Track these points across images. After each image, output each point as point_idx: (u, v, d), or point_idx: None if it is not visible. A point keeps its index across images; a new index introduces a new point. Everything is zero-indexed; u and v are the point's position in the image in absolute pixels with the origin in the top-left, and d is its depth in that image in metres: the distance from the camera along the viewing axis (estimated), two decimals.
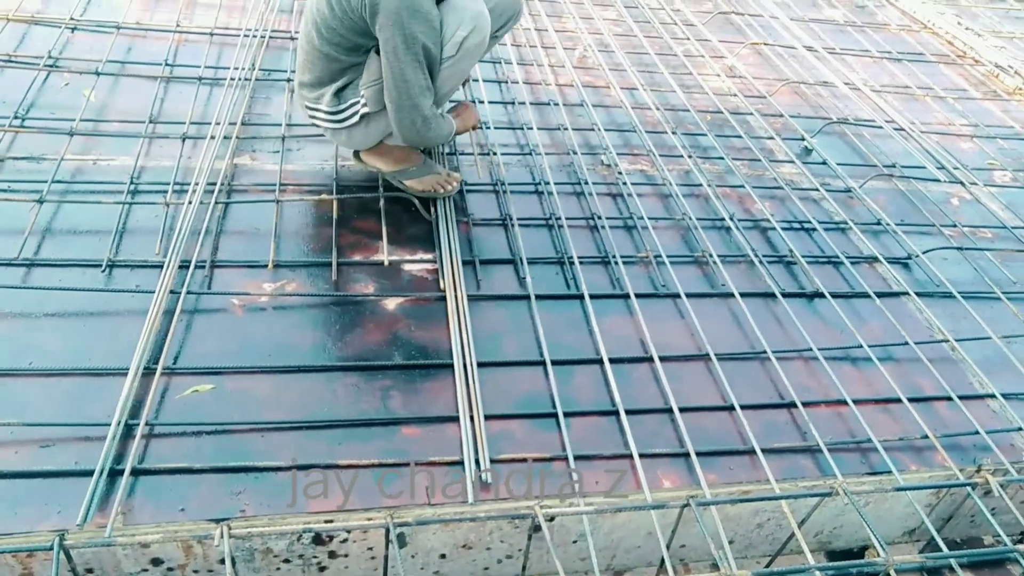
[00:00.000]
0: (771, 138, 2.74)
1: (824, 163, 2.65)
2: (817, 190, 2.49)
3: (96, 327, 1.69)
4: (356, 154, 2.14)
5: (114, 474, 1.41)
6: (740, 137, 2.69)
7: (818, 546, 1.78)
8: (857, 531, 1.76)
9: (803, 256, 2.19)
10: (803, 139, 2.74)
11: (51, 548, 1.22)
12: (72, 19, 2.70)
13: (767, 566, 1.63)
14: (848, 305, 2.07)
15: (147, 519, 1.37)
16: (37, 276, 1.78)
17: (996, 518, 1.59)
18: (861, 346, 1.92)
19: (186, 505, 1.39)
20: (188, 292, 1.77)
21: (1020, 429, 1.79)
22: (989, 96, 3.29)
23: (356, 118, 1.94)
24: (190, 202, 1.95)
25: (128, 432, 1.47)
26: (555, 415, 1.65)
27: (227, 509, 1.40)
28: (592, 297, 1.94)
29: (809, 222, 2.35)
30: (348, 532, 1.45)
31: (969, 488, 1.64)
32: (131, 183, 2.05)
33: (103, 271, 1.81)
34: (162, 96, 2.42)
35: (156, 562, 1.43)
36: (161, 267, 1.81)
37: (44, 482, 1.39)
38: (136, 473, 1.42)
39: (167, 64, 2.55)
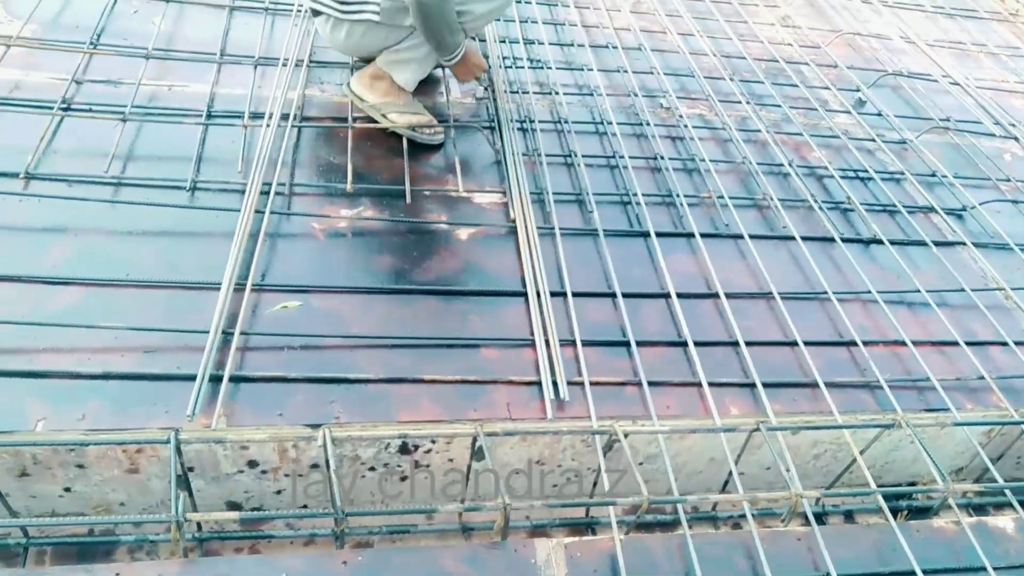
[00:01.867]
0: (826, 88, 2.75)
1: (879, 114, 2.66)
2: (873, 140, 2.51)
3: (184, 244, 1.75)
4: (348, 85, 2.14)
5: (214, 380, 1.48)
6: (796, 86, 2.71)
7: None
8: (907, 467, 1.83)
9: (860, 203, 2.22)
10: (858, 90, 2.75)
11: (167, 442, 1.30)
12: None
13: (819, 499, 1.70)
14: (904, 252, 2.11)
15: (247, 422, 1.44)
16: (125, 194, 1.84)
17: None
18: (918, 291, 1.97)
19: (283, 411, 1.47)
20: (271, 213, 1.83)
21: None
22: None
23: (362, 17, 1.91)
24: (267, 126, 2.00)
25: (225, 341, 1.54)
26: (626, 343, 1.71)
27: (322, 416, 1.47)
28: (657, 235, 1.99)
29: (865, 171, 2.37)
30: (434, 442, 1.53)
31: (1022, 427, 1.70)
32: (207, 108, 2.10)
33: (188, 191, 1.87)
34: (227, 26, 2.45)
35: (252, 464, 1.51)
36: (242, 190, 1.87)
37: (150, 384, 1.47)
38: (235, 380, 1.49)
39: None
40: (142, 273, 1.66)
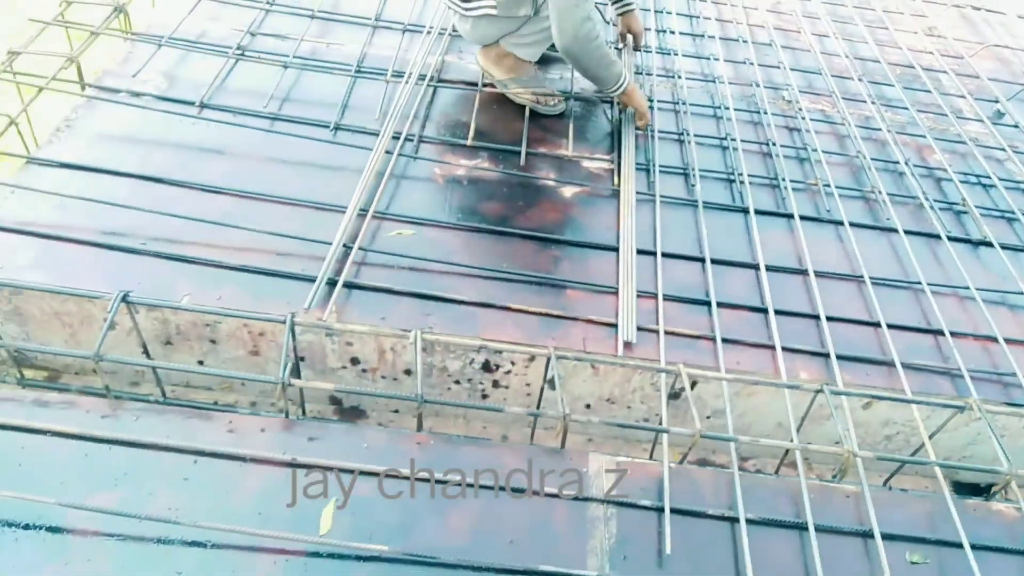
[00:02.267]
0: (962, 97, 2.70)
1: (1016, 126, 2.59)
2: (1004, 150, 2.46)
3: (324, 174, 2.00)
4: (477, 57, 2.30)
5: (330, 283, 1.70)
6: (929, 92, 2.68)
7: (945, 474, 1.84)
8: (988, 464, 1.81)
9: (976, 207, 2.19)
10: (997, 101, 2.69)
11: (283, 322, 1.52)
12: None
13: (889, 477, 1.72)
14: (1015, 257, 2.07)
15: (354, 320, 1.65)
16: (278, 127, 2.11)
17: None
18: (1021, 293, 1.94)
19: (386, 315, 1.66)
20: (400, 155, 2.05)
21: None
22: None
23: (480, 12, 2.07)
24: (406, 82, 2.23)
25: (345, 254, 1.76)
26: (707, 303, 1.80)
27: (419, 324, 1.65)
28: (757, 212, 2.06)
29: (989, 178, 2.33)
30: (512, 364, 1.68)
31: None
32: (357, 64, 2.35)
33: (331, 131, 2.12)
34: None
35: (354, 361, 1.72)
36: (378, 134, 2.10)
37: (278, 281, 1.70)
38: (348, 286, 1.70)
39: None
40: (285, 192, 1.91)
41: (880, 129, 2.45)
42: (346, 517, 1.32)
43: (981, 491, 1.87)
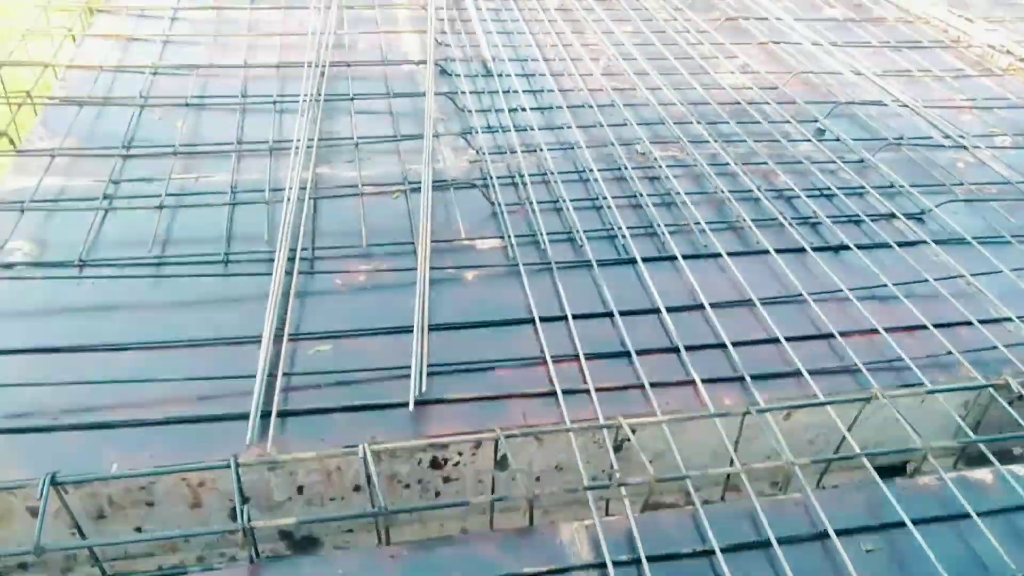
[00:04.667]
0: (787, 122, 3.00)
1: (838, 140, 2.91)
2: (833, 162, 2.75)
3: (224, 308, 1.97)
4: None
5: (265, 416, 1.67)
6: (759, 123, 2.97)
7: (870, 463, 2.00)
8: (901, 445, 1.98)
9: (827, 216, 2.44)
10: (816, 120, 3.01)
11: (227, 467, 1.48)
12: (153, 65, 3.03)
13: (820, 476, 1.85)
14: (871, 255, 2.31)
15: (296, 448, 1.63)
16: (167, 270, 2.07)
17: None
18: (886, 285, 2.17)
19: (325, 436, 1.66)
20: (299, 273, 2.06)
21: None
22: (984, 73, 3.55)
23: None
24: (288, 200, 2.25)
25: (270, 384, 1.74)
26: (626, 353, 1.91)
27: (360, 438, 1.65)
28: (644, 260, 2.21)
29: (829, 188, 2.60)
30: (460, 455, 1.71)
31: (992, 390, 1.87)
32: (231, 192, 2.35)
33: (222, 264, 2.10)
34: (242, 123, 2.74)
35: (300, 490, 1.69)
36: (270, 259, 2.10)
37: (207, 426, 1.66)
38: (283, 414, 1.69)
39: (243, 96, 2.87)
40: (190, 334, 1.87)
41: (728, 163, 2.69)
42: None
43: (900, 471, 2.05)
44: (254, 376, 1.74)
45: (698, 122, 2.92)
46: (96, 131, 2.64)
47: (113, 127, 2.65)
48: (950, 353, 1.96)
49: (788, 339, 1.98)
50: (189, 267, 2.09)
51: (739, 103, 3.09)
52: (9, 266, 2.03)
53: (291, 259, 2.10)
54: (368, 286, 2.08)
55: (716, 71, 3.35)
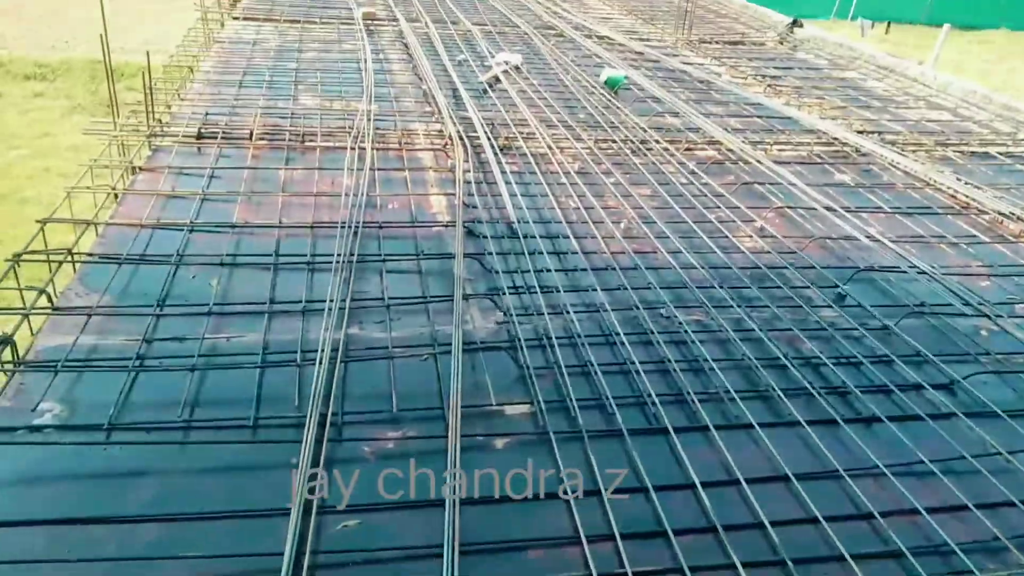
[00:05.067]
0: (807, 287, 3.05)
1: (859, 306, 2.94)
2: (856, 329, 2.77)
3: (251, 477, 1.95)
4: None
5: None
6: (780, 288, 3.02)
7: None
8: None
9: (856, 387, 2.43)
10: (836, 286, 3.06)
11: None
12: (190, 222, 3.13)
13: None
14: (903, 427, 2.28)
15: None
16: (195, 435, 2.06)
17: None
18: (922, 461, 2.13)
19: None
20: (328, 440, 2.03)
21: None
22: (997, 240, 3.64)
23: None
24: (319, 363, 2.26)
25: (297, 563, 1.69)
26: (664, 532, 1.85)
27: None
28: (676, 430, 2.19)
29: (855, 356, 2.61)
30: None
31: None
32: (263, 352, 2.37)
33: (251, 430, 2.09)
34: (275, 281, 2.79)
35: None
36: (297, 423, 2.09)
37: None
38: None
39: (276, 254, 2.95)
40: (213, 506, 1.83)
41: (752, 328, 2.71)
42: None
43: None
44: (280, 554, 1.68)
45: (720, 286, 2.97)
46: (131, 289, 2.69)
47: (148, 285, 2.70)
48: (997, 539, 1.90)
49: (827, 519, 1.92)
50: (217, 432, 2.07)
51: (759, 267, 3.16)
52: (38, 429, 2.02)
53: (320, 424, 2.09)
54: (396, 453, 2.06)
55: (734, 235, 3.44)
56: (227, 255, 2.93)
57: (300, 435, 2.03)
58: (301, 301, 2.66)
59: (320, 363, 2.28)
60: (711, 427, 2.21)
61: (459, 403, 2.16)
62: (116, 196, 3.32)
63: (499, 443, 2.12)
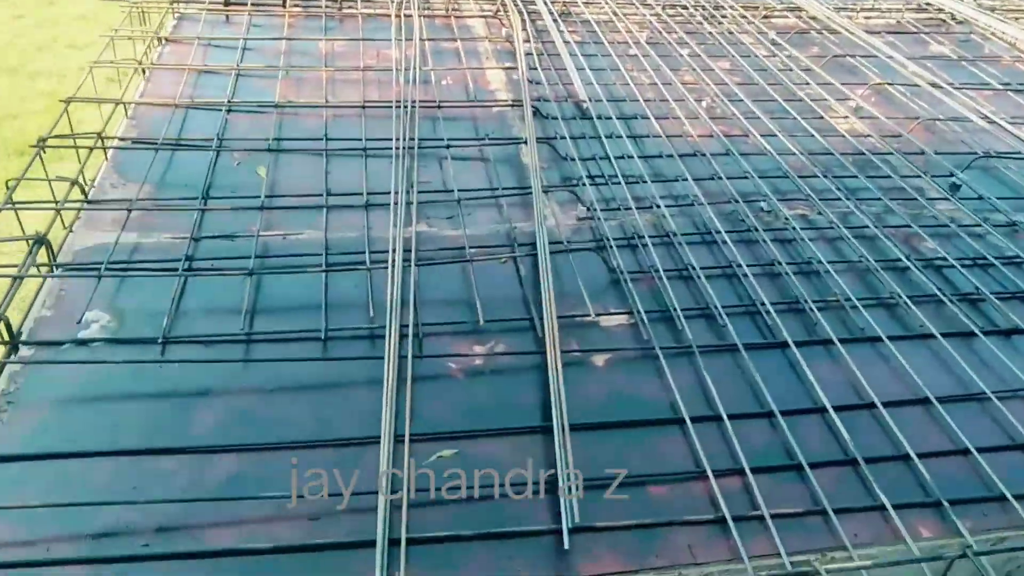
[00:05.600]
0: (918, 176, 2.72)
1: (980, 197, 2.62)
2: (980, 225, 2.46)
3: (330, 398, 1.73)
4: None
5: (392, 544, 1.41)
6: (889, 177, 2.69)
7: None
8: None
9: (991, 293, 2.15)
10: (950, 175, 2.72)
11: None
12: (229, 101, 2.81)
13: None
14: None
15: None
16: (260, 351, 1.83)
17: None
18: None
19: (465, 573, 1.39)
20: (414, 357, 1.80)
21: None
22: None
23: None
24: (393, 265, 2.00)
25: (393, 502, 1.48)
26: (798, 466, 1.63)
27: (500, 571, 1.39)
28: (796, 344, 1.93)
29: (984, 258, 2.31)
30: None
31: None
32: (325, 253, 2.11)
33: (321, 342, 1.85)
34: (328, 170, 2.49)
35: None
36: (371, 335, 1.86)
37: (323, 557, 1.41)
38: (411, 542, 1.42)
39: (326, 139, 2.63)
40: (290, 433, 1.62)
41: (866, 225, 2.41)
42: None
43: None
44: (374, 492, 1.48)
45: (824, 175, 2.64)
46: (170, 178, 2.41)
47: (188, 174, 2.41)
48: None
49: (980, 450, 1.69)
50: (285, 347, 1.84)
51: (863, 153, 2.81)
52: (85, 343, 1.79)
53: (403, 335, 1.85)
54: (486, 371, 1.83)
55: (829, 115, 3.07)
56: (272, 139, 2.61)
57: (377, 349, 1.81)
58: (362, 193, 2.36)
59: (392, 265, 2.02)
60: (835, 340, 1.95)
61: (554, 313, 1.90)
62: (143, 72, 2.98)
63: (599, 360, 1.88)
